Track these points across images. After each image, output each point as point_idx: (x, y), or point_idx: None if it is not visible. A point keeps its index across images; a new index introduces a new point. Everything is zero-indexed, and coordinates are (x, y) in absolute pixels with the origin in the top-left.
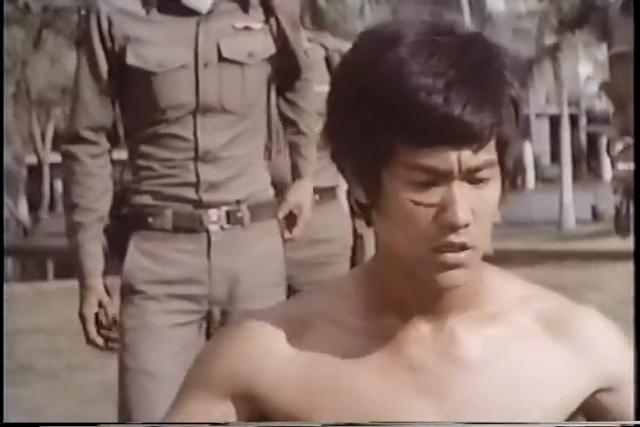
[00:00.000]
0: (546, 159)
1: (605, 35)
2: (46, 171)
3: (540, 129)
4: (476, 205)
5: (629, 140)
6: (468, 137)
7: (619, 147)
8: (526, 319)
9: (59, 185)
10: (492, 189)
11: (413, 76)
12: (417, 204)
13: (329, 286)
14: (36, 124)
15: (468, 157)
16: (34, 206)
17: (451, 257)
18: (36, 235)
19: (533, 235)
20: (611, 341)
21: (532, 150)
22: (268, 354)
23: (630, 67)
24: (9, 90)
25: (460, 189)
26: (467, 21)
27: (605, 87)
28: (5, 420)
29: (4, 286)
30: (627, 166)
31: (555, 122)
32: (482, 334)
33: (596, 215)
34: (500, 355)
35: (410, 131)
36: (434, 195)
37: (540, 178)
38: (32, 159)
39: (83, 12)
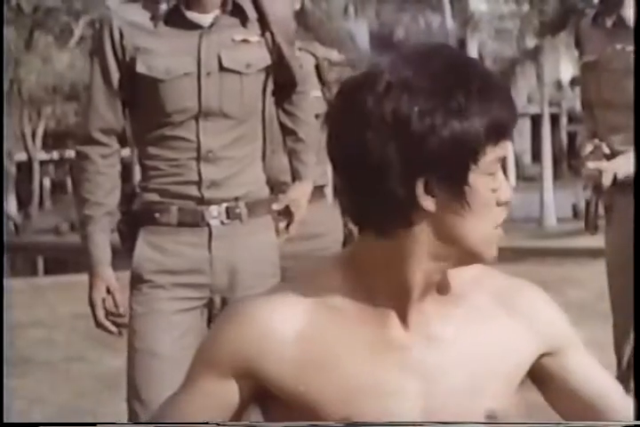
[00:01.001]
0: (527, 158)
1: (578, 42)
2: (36, 168)
3: (522, 128)
4: None
5: (598, 142)
6: (513, 128)
7: (589, 148)
8: (482, 298)
9: (47, 182)
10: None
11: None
12: (493, 191)
13: (317, 274)
14: (27, 122)
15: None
16: (23, 203)
17: (501, 231)
18: (26, 231)
19: (515, 232)
20: (551, 312)
21: (514, 149)
22: (268, 335)
23: (599, 74)
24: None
25: (501, 175)
26: (448, 22)
27: (577, 83)
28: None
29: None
30: (595, 165)
31: (536, 121)
32: (449, 314)
33: (576, 213)
34: (464, 331)
35: (490, 131)
36: (496, 181)
37: (521, 176)
38: (22, 156)
39: (96, 25)
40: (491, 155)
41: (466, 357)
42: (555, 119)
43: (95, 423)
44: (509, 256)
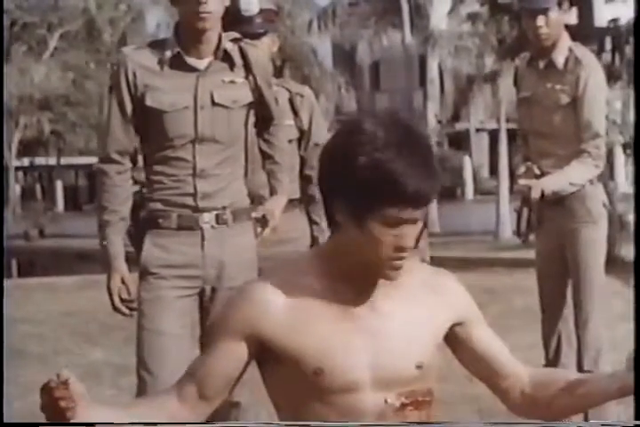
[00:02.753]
0: (484, 172)
1: (516, 81)
2: (11, 176)
3: (480, 143)
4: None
5: (530, 164)
6: (426, 201)
7: (522, 169)
8: (413, 282)
9: (17, 189)
10: (419, 226)
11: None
12: (391, 235)
13: (298, 263)
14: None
15: (417, 211)
16: None
17: (399, 264)
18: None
19: (470, 244)
20: (461, 294)
21: (472, 163)
22: (265, 307)
23: (532, 109)
24: None
25: (408, 228)
26: (407, 38)
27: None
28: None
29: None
30: (525, 182)
31: (494, 136)
32: (389, 294)
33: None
34: (400, 306)
35: (393, 200)
36: (398, 230)
37: (478, 190)
38: None
39: (114, 67)
40: (392, 214)
41: (400, 324)
42: (512, 135)
43: (95, 423)
44: (461, 265)
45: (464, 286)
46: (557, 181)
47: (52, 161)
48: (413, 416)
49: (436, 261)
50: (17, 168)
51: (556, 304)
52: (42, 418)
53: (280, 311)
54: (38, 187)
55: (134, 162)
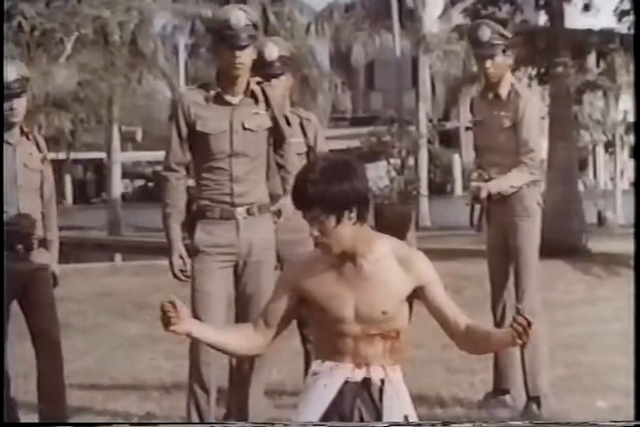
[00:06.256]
0: None
1: (471, 108)
2: None
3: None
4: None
5: (481, 171)
6: (308, 205)
7: (475, 175)
8: (389, 256)
9: None
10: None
11: None
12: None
13: (315, 251)
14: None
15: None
16: None
17: (320, 246)
18: None
19: (457, 237)
20: (424, 265)
21: (461, 161)
22: (308, 270)
23: (483, 129)
24: None
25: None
26: (397, 42)
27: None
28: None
29: None
30: (476, 184)
31: None
32: (372, 264)
33: None
34: (378, 272)
35: (295, 203)
36: (312, 228)
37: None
38: None
39: (174, 102)
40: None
41: (375, 284)
42: None
43: (95, 423)
44: (446, 256)
45: (445, 272)
46: (501, 184)
47: (62, 156)
48: (380, 343)
49: (424, 252)
50: None
51: (502, 281)
52: (92, 378)
53: (310, 274)
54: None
55: (188, 170)
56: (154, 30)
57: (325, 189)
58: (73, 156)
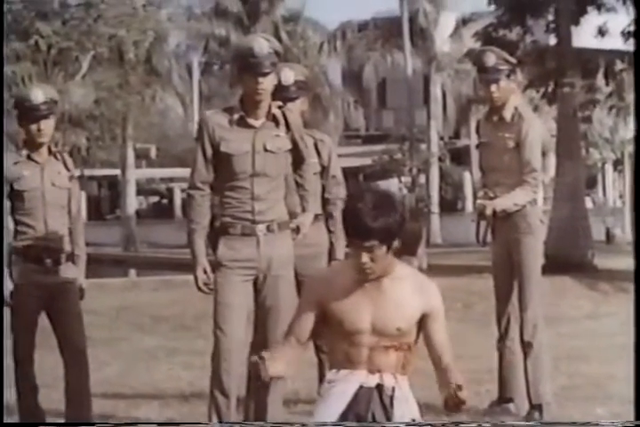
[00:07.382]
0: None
1: (477, 130)
2: None
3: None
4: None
5: (487, 190)
6: (369, 236)
7: (481, 193)
8: (407, 279)
9: None
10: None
11: None
12: (355, 257)
13: (338, 265)
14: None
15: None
16: None
17: (365, 273)
18: None
19: (467, 254)
20: (434, 295)
21: (472, 178)
22: (329, 285)
23: (488, 151)
24: None
25: (365, 252)
26: (409, 61)
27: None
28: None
29: None
30: (481, 202)
31: None
32: (391, 284)
33: None
34: (395, 293)
35: (348, 233)
36: (357, 254)
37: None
38: None
39: (197, 127)
40: (351, 243)
41: (391, 303)
42: None
43: (95, 423)
44: (456, 272)
45: (456, 288)
46: (505, 202)
47: (77, 172)
48: (394, 354)
49: (434, 268)
50: None
51: (506, 295)
52: (114, 388)
53: (333, 288)
54: None
55: (212, 189)
56: (168, 49)
57: (385, 222)
58: (87, 172)
